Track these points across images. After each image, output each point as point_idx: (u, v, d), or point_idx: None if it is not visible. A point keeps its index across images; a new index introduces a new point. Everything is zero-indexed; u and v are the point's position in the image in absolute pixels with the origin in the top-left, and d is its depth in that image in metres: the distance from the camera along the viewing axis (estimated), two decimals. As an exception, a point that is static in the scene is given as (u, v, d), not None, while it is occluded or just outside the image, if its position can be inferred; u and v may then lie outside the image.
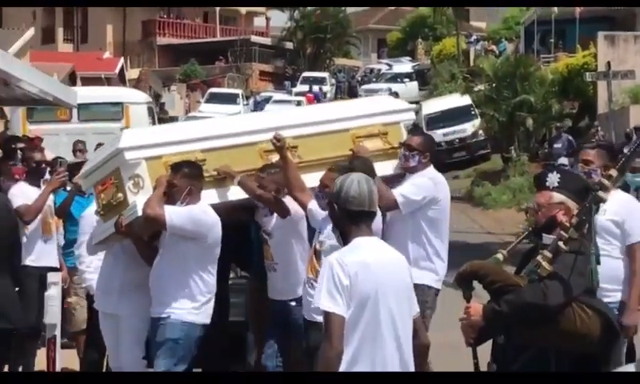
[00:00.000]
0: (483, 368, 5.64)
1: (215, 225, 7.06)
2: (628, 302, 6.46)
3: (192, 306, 7.02)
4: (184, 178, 7.02)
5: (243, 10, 68.56)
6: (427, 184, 7.58)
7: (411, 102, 44.38)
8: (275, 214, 7.45)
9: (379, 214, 7.01)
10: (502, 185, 28.15)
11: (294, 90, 52.43)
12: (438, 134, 34.72)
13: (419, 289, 7.52)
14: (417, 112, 39.29)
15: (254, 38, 64.77)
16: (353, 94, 51.72)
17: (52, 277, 8.88)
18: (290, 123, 7.91)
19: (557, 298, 5.17)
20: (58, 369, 8.57)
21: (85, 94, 25.07)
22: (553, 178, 5.55)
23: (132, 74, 54.46)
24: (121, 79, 49.19)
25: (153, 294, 7.15)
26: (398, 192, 7.52)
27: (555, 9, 37.01)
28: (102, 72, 47.95)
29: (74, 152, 13.16)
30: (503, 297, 5.34)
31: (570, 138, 27.72)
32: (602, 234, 6.37)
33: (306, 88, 50.81)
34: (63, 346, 10.13)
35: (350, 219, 5.14)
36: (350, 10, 66.43)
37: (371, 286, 4.97)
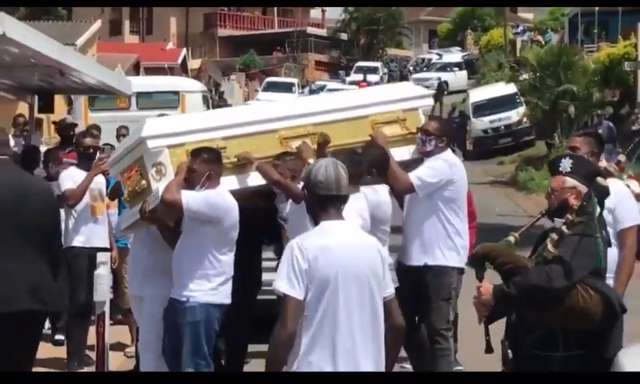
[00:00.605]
0: (495, 345, 5.58)
1: (231, 209, 7.01)
2: (616, 286, 6.30)
3: (209, 286, 6.96)
4: (203, 163, 6.96)
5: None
6: (443, 166, 7.51)
7: (460, 90, 44.91)
8: (290, 200, 7.32)
9: (387, 200, 6.87)
10: (545, 170, 27.90)
11: (348, 79, 52.44)
12: (485, 121, 34.88)
13: (442, 270, 7.54)
14: (464, 100, 39.64)
15: (310, 30, 64.97)
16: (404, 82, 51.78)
17: (101, 257, 8.87)
18: (310, 111, 7.83)
19: (560, 281, 5.11)
20: (107, 343, 8.55)
21: (143, 83, 25.33)
22: (565, 164, 5.48)
23: (194, 64, 54.75)
24: (183, 69, 49.53)
25: (174, 276, 7.12)
26: (415, 175, 7.46)
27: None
28: (166, 62, 48.41)
29: (118, 137, 13.15)
30: (511, 278, 5.31)
31: (611, 124, 27.70)
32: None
33: (359, 77, 50.74)
34: (117, 322, 10.32)
35: (318, 203, 5.05)
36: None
37: (331, 269, 4.85)
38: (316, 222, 5.09)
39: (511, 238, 5.56)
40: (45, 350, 8.63)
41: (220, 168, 7.08)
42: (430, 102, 8.87)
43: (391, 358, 5.29)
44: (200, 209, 6.90)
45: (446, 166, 7.53)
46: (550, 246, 5.22)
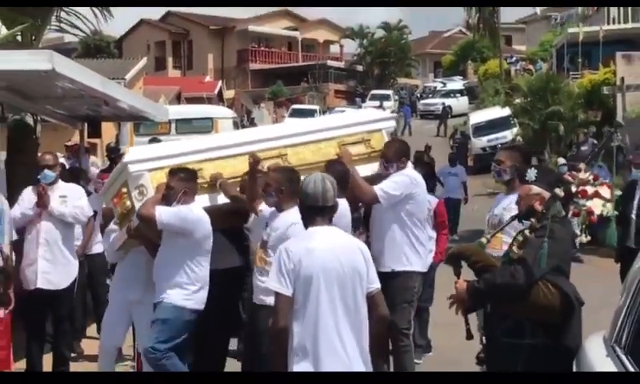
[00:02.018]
0: (474, 331, 5.70)
1: (201, 222, 6.90)
2: None
3: (183, 293, 6.86)
4: (180, 181, 6.89)
5: (321, 39, 68.86)
6: (405, 181, 7.38)
7: (462, 114, 44.78)
8: (253, 214, 7.21)
9: (347, 212, 6.79)
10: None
11: (364, 105, 52.33)
12: (483, 141, 34.87)
13: (407, 275, 7.48)
14: (465, 122, 39.61)
15: (330, 63, 65.09)
16: (414, 107, 51.67)
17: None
18: (282, 134, 7.77)
19: (521, 279, 5.10)
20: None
21: (181, 110, 25.48)
22: (531, 173, 5.50)
23: (228, 94, 55.04)
24: (219, 99, 49.70)
25: (155, 283, 7.04)
26: (379, 187, 7.36)
27: (581, 34, 36.80)
28: (204, 93, 48.56)
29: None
30: (482, 275, 5.36)
31: (595, 141, 27.56)
32: (507, 231, 6.30)
33: (373, 103, 50.61)
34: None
35: (306, 212, 5.20)
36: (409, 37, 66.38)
37: (314, 269, 4.93)
38: (305, 228, 5.16)
39: (483, 240, 5.68)
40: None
41: (195, 186, 7.01)
42: (392, 123, 8.66)
43: (381, 345, 5.33)
44: (170, 221, 6.80)
45: (407, 180, 7.41)
46: (515, 248, 5.28)
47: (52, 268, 8.51)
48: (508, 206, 6.65)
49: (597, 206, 16.09)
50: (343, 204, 6.75)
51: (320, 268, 4.94)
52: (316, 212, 5.12)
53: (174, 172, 6.95)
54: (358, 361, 5.00)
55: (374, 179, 7.54)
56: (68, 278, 8.66)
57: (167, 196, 6.89)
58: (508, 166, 6.63)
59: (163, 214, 6.77)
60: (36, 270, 8.44)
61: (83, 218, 8.75)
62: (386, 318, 5.27)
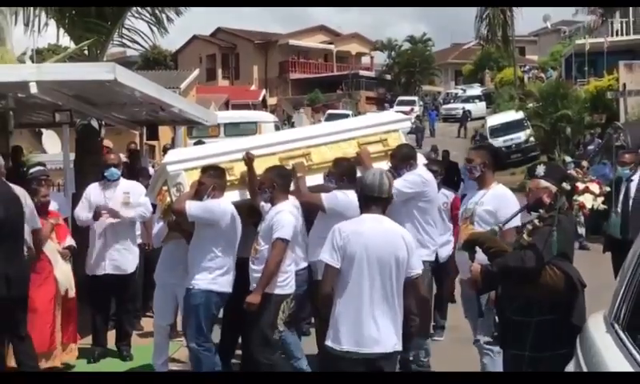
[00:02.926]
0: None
1: (226, 214, 6.87)
2: None
3: (209, 277, 6.85)
4: (210, 177, 6.91)
5: (354, 51, 68.76)
6: (416, 180, 7.29)
7: (480, 117, 44.43)
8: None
9: (355, 202, 6.78)
10: (545, 180, 27.79)
11: (392, 109, 52.14)
12: (499, 141, 34.59)
13: None
14: (483, 125, 39.38)
15: (362, 72, 65.02)
16: (437, 111, 51.48)
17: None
18: (304, 136, 7.76)
19: (531, 263, 5.11)
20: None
21: (229, 115, 25.61)
22: (540, 169, 5.51)
23: (271, 101, 55.25)
24: (263, 105, 49.95)
25: (188, 268, 7.08)
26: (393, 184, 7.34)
27: (587, 45, 36.53)
28: (250, 100, 48.71)
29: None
30: (494, 260, 5.35)
31: (600, 141, 27.42)
32: (479, 222, 6.33)
33: (401, 108, 50.34)
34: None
35: (363, 200, 5.29)
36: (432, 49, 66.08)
37: (359, 247, 5.04)
38: (361, 213, 5.29)
39: (496, 228, 5.64)
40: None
41: (223, 182, 7.00)
42: (408, 124, 8.55)
43: (423, 321, 5.42)
44: (198, 213, 6.83)
45: (419, 179, 7.32)
46: (525, 235, 5.26)
47: (119, 255, 8.63)
48: (479, 200, 6.54)
49: (588, 201, 15.99)
50: (352, 197, 6.76)
51: (364, 248, 5.03)
52: (371, 200, 5.20)
53: (205, 170, 6.99)
54: (391, 331, 5.09)
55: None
56: (132, 264, 8.77)
57: (199, 191, 6.92)
58: (478, 163, 6.54)
59: (192, 207, 6.81)
60: (105, 258, 8.57)
61: (148, 214, 8.83)
62: (424, 300, 5.38)
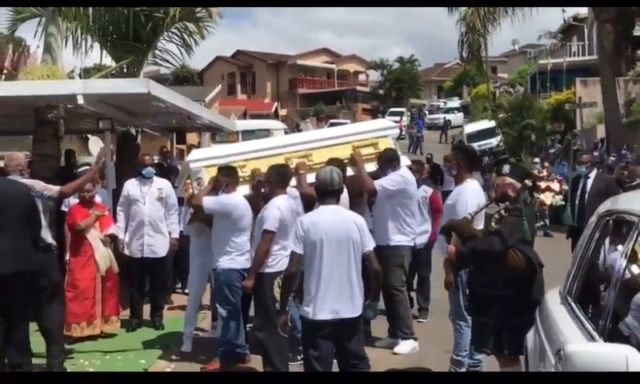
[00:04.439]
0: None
1: (237, 205, 6.89)
2: None
3: (228, 258, 6.87)
4: (223, 176, 6.96)
5: (352, 70, 68.65)
6: (398, 179, 7.36)
7: (458, 126, 44.22)
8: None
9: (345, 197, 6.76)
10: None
11: (385, 119, 51.81)
12: (475, 146, 34.29)
13: (397, 247, 7.52)
14: (461, 132, 39.24)
15: (359, 88, 64.77)
16: (423, 121, 51.26)
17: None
18: (306, 140, 7.75)
19: (497, 246, 5.13)
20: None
21: (246, 124, 25.59)
22: (505, 168, 5.51)
23: (282, 112, 55.10)
24: (275, 115, 49.76)
25: (212, 252, 7.09)
26: (378, 183, 7.38)
27: (549, 65, 36.64)
28: (264, 111, 48.66)
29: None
30: (467, 243, 5.38)
31: (559, 145, 27.48)
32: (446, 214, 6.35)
33: (393, 118, 50.06)
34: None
35: (319, 194, 5.39)
36: (418, 68, 65.92)
37: (317, 236, 5.11)
38: (319, 205, 5.38)
39: (468, 216, 5.64)
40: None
41: (235, 179, 7.01)
42: (396, 131, 8.54)
43: (374, 290, 5.46)
44: (213, 207, 6.88)
45: (401, 179, 7.37)
46: (493, 223, 5.29)
47: (154, 241, 8.65)
48: (452, 194, 6.54)
49: (548, 198, 16.06)
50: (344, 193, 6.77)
51: (323, 235, 5.09)
52: (326, 194, 5.27)
53: (220, 168, 7.04)
54: (349, 299, 5.11)
55: (378, 175, 7.50)
56: (165, 249, 8.78)
57: (215, 186, 7.00)
58: (454, 163, 6.54)
59: (208, 201, 6.88)
60: (142, 243, 8.59)
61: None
62: (377, 272, 5.34)
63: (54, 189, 6.56)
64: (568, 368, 2.77)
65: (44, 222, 6.37)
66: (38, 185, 6.50)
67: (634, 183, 9.37)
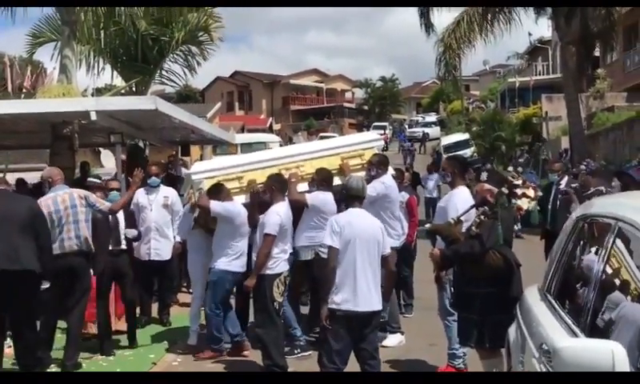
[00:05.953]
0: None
1: (239, 213, 6.90)
2: None
3: (226, 260, 6.86)
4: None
5: (339, 88, 68.70)
6: (380, 186, 7.19)
7: (436, 138, 44.32)
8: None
9: (331, 201, 6.90)
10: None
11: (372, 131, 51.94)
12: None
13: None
14: (438, 144, 39.27)
15: (345, 104, 65.03)
16: (404, 134, 51.27)
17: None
18: (298, 152, 7.67)
19: (477, 249, 5.12)
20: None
21: (244, 137, 25.38)
22: (484, 175, 5.48)
23: (276, 127, 55.00)
24: (270, 130, 49.60)
25: (213, 252, 7.06)
26: None
27: (517, 83, 36.86)
28: (260, 126, 48.50)
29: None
30: (450, 246, 5.35)
31: (527, 155, 27.56)
32: (437, 215, 6.27)
33: (377, 131, 49.93)
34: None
35: (349, 199, 5.35)
36: (399, 86, 66.01)
37: (351, 235, 5.09)
38: (347, 208, 5.36)
39: (451, 220, 5.60)
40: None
41: (220, 195, 6.97)
42: (381, 143, 8.45)
43: (387, 289, 5.42)
44: (219, 211, 6.86)
45: (382, 186, 7.21)
46: (473, 227, 5.26)
47: (160, 245, 8.53)
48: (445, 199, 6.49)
49: (524, 203, 15.97)
50: (329, 196, 6.88)
51: (355, 235, 5.09)
52: (355, 199, 5.29)
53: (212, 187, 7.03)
54: (376, 294, 5.14)
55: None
56: (170, 253, 8.65)
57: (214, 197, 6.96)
58: (449, 171, 6.47)
59: (214, 205, 6.86)
60: (150, 247, 8.46)
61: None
62: (393, 273, 5.39)
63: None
64: (555, 362, 2.68)
65: (88, 231, 6.47)
66: (91, 196, 6.71)
67: (589, 192, 9.27)
